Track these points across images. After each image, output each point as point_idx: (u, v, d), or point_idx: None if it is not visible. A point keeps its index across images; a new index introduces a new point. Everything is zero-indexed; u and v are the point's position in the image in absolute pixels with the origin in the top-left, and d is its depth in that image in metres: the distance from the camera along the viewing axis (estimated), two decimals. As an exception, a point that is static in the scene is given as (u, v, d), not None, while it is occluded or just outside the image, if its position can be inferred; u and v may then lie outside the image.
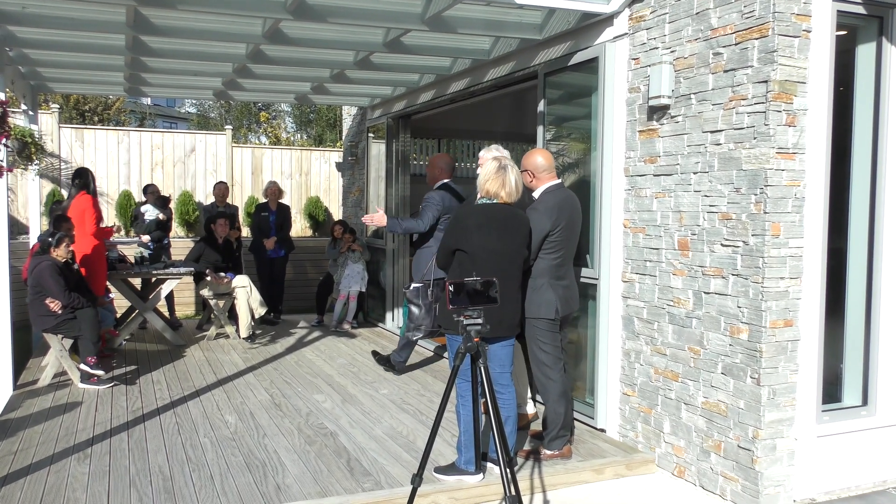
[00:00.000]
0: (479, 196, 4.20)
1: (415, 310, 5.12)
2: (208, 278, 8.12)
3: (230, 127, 13.45)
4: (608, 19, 5.02)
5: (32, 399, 5.84)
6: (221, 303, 8.27)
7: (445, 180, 6.13)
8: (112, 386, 6.24)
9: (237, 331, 8.24)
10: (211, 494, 4.00)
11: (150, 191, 9.39)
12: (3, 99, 4.57)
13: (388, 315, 9.04)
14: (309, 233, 13.13)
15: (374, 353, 7.05)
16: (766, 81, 3.89)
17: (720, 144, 4.17)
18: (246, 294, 8.03)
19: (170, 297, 9.09)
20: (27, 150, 6.53)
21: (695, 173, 4.35)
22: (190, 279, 8.63)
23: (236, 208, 10.14)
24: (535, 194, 4.59)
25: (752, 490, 4.02)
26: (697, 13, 4.31)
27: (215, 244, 8.43)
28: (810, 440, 4.15)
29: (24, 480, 4.18)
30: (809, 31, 3.95)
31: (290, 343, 8.25)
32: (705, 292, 4.30)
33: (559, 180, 4.63)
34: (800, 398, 4.09)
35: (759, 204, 3.94)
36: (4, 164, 4.80)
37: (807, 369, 4.11)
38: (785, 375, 4.02)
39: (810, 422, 4.14)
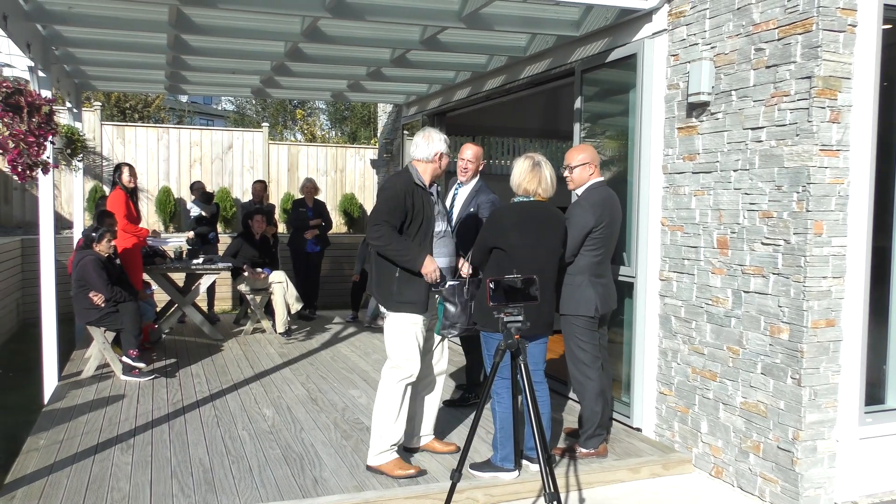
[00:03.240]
0: (516, 194, 4.21)
1: (450, 308, 5.13)
2: (245, 273, 8.24)
3: (267, 124, 13.60)
4: (647, 15, 4.98)
5: (77, 390, 5.98)
6: (258, 298, 8.38)
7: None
8: (153, 378, 6.36)
9: (273, 326, 8.34)
10: (250, 486, 4.07)
11: (196, 187, 9.56)
12: (51, 97, 4.69)
13: (423, 311, 9.07)
14: (344, 229, 13.23)
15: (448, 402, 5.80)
16: (809, 77, 3.82)
17: (761, 141, 4.12)
18: (282, 289, 8.12)
19: (210, 292, 9.24)
20: (71, 146, 6.69)
21: (735, 171, 4.30)
22: (227, 274, 8.76)
23: (273, 206, 10.26)
24: (578, 191, 4.58)
25: (791, 492, 3.96)
26: (739, 8, 4.25)
27: (252, 240, 8.54)
28: (852, 442, 4.08)
29: (70, 469, 4.29)
30: (855, 26, 3.87)
31: (325, 338, 8.34)
32: (745, 291, 4.24)
33: (602, 178, 4.61)
34: (842, 399, 4.02)
35: (802, 202, 3.88)
36: (51, 161, 4.91)
37: (849, 370, 4.04)
38: (826, 376, 3.96)
39: (852, 423, 4.07)
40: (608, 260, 4.56)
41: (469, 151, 5.35)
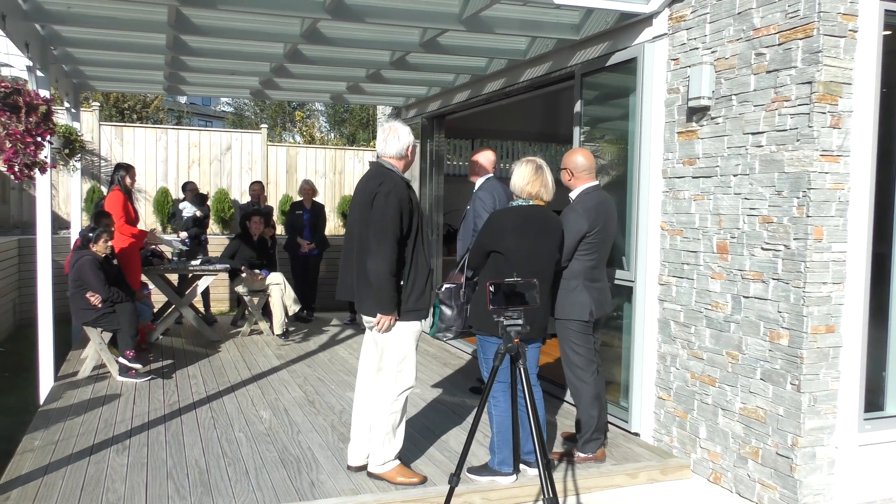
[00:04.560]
0: (515, 198, 4.20)
1: (446, 310, 5.12)
2: (243, 275, 8.21)
3: (266, 125, 13.58)
4: (647, 19, 4.97)
5: (72, 390, 5.96)
6: (256, 299, 8.36)
7: (490, 175, 5.78)
8: (149, 379, 6.34)
9: (271, 328, 8.32)
10: (246, 489, 4.04)
11: (189, 188, 9.52)
12: (49, 97, 4.67)
13: (420, 314, 9.04)
14: (342, 231, 13.20)
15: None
16: (810, 82, 3.82)
17: (762, 146, 4.11)
18: (280, 291, 8.10)
19: (206, 293, 9.21)
20: (69, 146, 6.67)
21: (735, 175, 4.29)
22: (225, 276, 8.74)
23: (271, 207, 10.24)
24: (572, 195, 4.58)
25: (790, 498, 3.95)
26: (739, 13, 4.25)
27: (250, 241, 8.53)
28: (851, 449, 4.06)
29: (66, 470, 4.27)
30: (856, 31, 3.87)
31: (322, 341, 8.31)
32: (744, 296, 4.23)
33: (597, 182, 4.61)
34: (841, 406, 4.01)
35: (802, 207, 3.87)
36: (48, 161, 4.89)
37: (849, 376, 4.03)
38: (826, 382, 3.95)
39: (852, 430, 4.06)
40: (603, 264, 4.55)
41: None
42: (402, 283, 3.98)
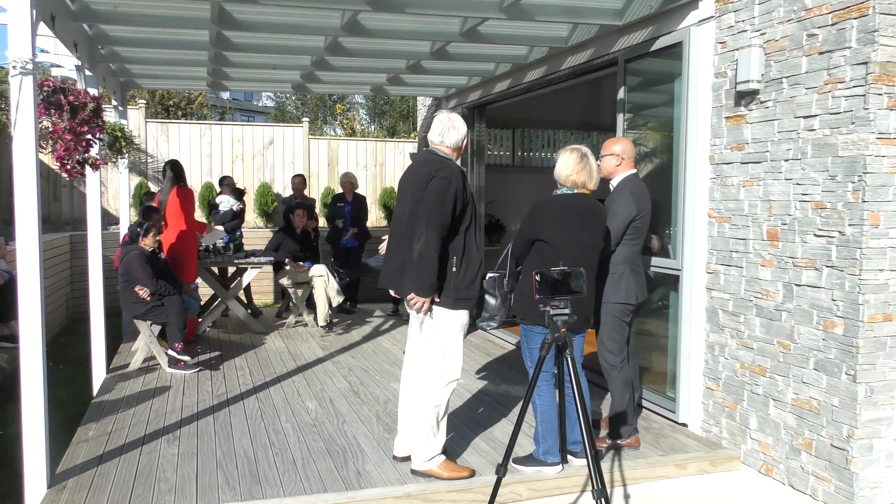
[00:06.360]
0: (559, 186, 4.15)
1: (490, 300, 5.10)
2: (287, 267, 8.30)
3: (307, 119, 13.70)
4: (693, 2, 4.86)
5: (124, 382, 6.09)
6: (300, 291, 8.44)
7: None
8: (198, 371, 6.45)
9: (315, 319, 8.39)
10: (294, 478, 4.09)
11: (226, 182, 9.64)
12: (97, 95, 4.76)
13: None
14: (384, 223, 13.27)
15: None
16: (865, 63, 3.69)
17: (814, 130, 3.99)
18: (323, 283, 8.17)
19: (247, 287, 9.32)
20: (117, 143, 6.79)
21: (786, 160, 4.18)
22: (269, 268, 8.84)
23: (313, 200, 10.32)
24: (614, 182, 4.56)
25: (846, 491, 3.85)
26: (790, -7, 4.12)
27: (294, 234, 8.61)
28: (910, 441, 3.94)
29: (119, 460, 4.37)
30: (914, 9, 3.72)
31: (366, 332, 8.36)
32: (796, 284, 4.13)
33: (634, 170, 4.59)
34: (899, 396, 3.89)
35: (857, 192, 3.75)
36: (99, 158, 4.99)
37: (907, 366, 3.90)
38: (883, 372, 3.83)
39: (910, 421, 3.93)
40: (640, 250, 4.58)
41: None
42: (453, 269, 3.94)
